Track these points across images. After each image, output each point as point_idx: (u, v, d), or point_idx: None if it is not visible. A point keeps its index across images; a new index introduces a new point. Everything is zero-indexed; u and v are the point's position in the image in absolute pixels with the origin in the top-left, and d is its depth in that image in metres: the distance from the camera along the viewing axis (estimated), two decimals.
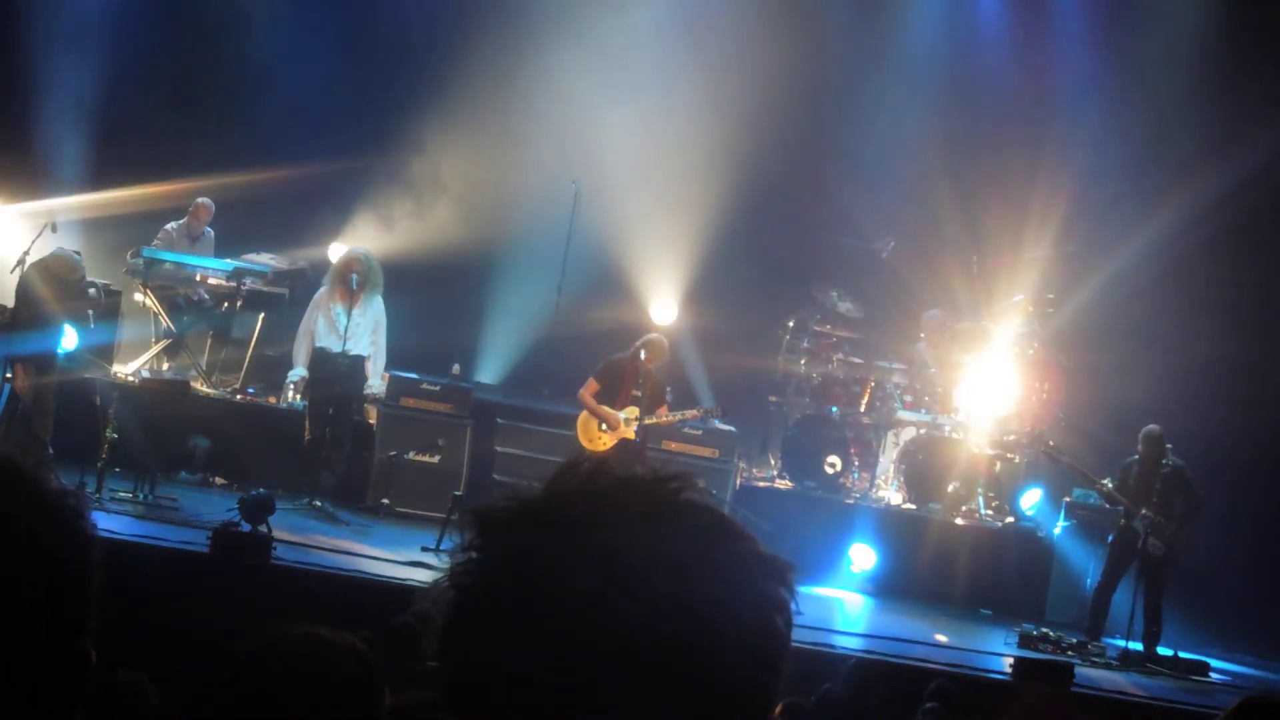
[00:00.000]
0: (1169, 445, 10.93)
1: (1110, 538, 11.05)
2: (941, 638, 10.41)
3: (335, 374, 11.04)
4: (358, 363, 11.11)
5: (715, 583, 1.14)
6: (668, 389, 11.42)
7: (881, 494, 12.74)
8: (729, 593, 1.14)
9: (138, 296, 12.35)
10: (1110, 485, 11.00)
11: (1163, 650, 10.50)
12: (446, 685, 1.17)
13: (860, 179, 14.11)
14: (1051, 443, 11.85)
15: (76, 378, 11.02)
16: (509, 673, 1.12)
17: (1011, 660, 9.33)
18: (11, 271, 11.38)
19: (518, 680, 1.12)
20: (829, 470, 12.58)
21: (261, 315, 12.81)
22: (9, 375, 10.58)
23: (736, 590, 1.15)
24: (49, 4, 13.18)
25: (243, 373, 12.56)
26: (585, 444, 11.03)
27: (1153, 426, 10.92)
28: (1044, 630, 10.49)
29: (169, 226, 12.86)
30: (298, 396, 11.79)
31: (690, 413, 11.75)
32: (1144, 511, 10.65)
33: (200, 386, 12.19)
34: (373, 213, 13.71)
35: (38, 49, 13.03)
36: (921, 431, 12.73)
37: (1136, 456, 10.91)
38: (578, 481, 1.19)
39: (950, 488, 12.33)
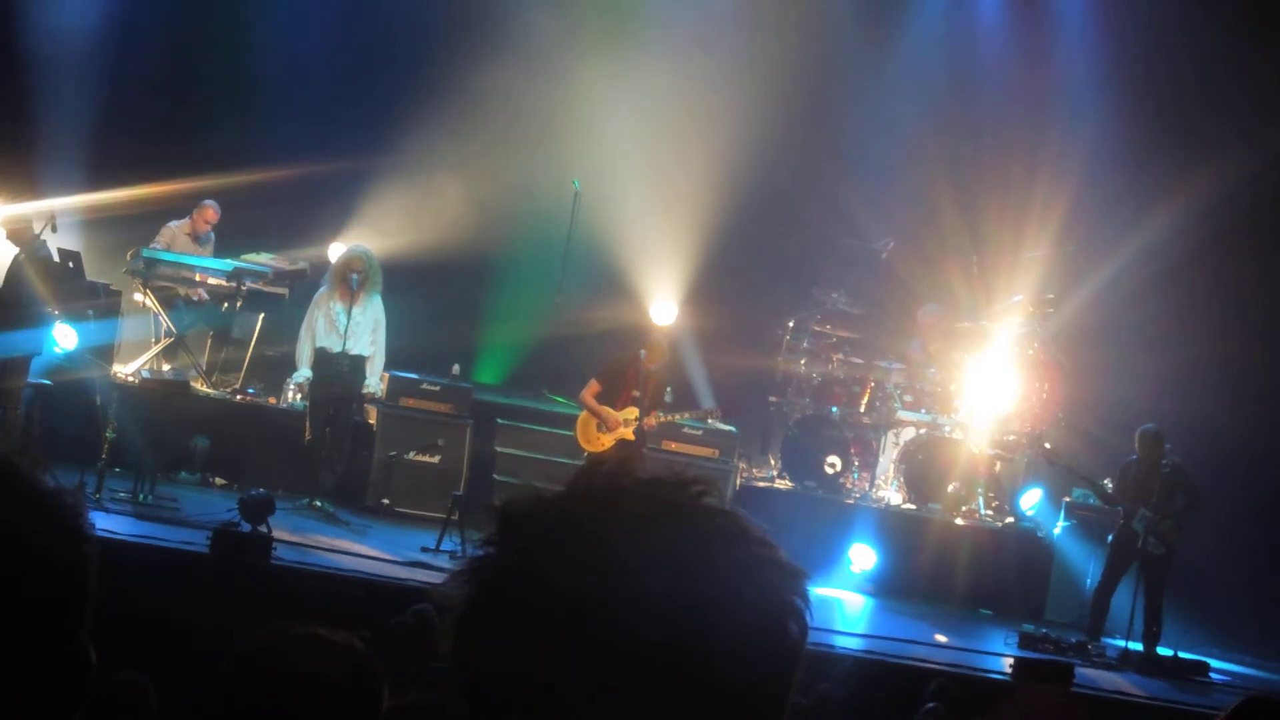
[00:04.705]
0: (1168, 445, 10.93)
1: (1110, 538, 11.05)
2: (941, 638, 10.40)
3: (336, 374, 11.04)
4: (358, 363, 11.10)
5: (730, 587, 1.14)
6: (667, 390, 11.43)
7: (881, 494, 12.74)
8: (743, 597, 1.14)
9: (137, 296, 12.35)
10: (1109, 486, 11.00)
11: (1163, 650, 10.49)
12: (458, 681, 1.17)
13: (860, 179, 14.11)
14: (1048, 445, 11.87)
15: (76, 378, 11.03)
16: (521, 671, 1.13)
17: (1011, 660, 9.32)
18: None
19: (529, 679, 1.12)
20: (829, 470, 12.58)
21: (261, 315, 12.82)
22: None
23: (751, 595, 1.15)
24: (49, 5, 13.18)
25: (243, 373, 12.56)
26: (584, 444, 11.04)
27: (1148, 425, 10.93)
28: (1044, 630, 10.49)
29: (171, 225, 12.87)
30: (298, 396, 11.79)
31: (688, 414, 11.83)
32: (1143, 511, 10.66)
33: (200, 386, 12.19)
34: (372, 213, 13.71)
35: (38, 49, 13.02)
36: (921, 431, 12.72)
37: (1134, 457, 10.91)
38: (599, 482, 1.19)
39: (950, 488, 12.32)
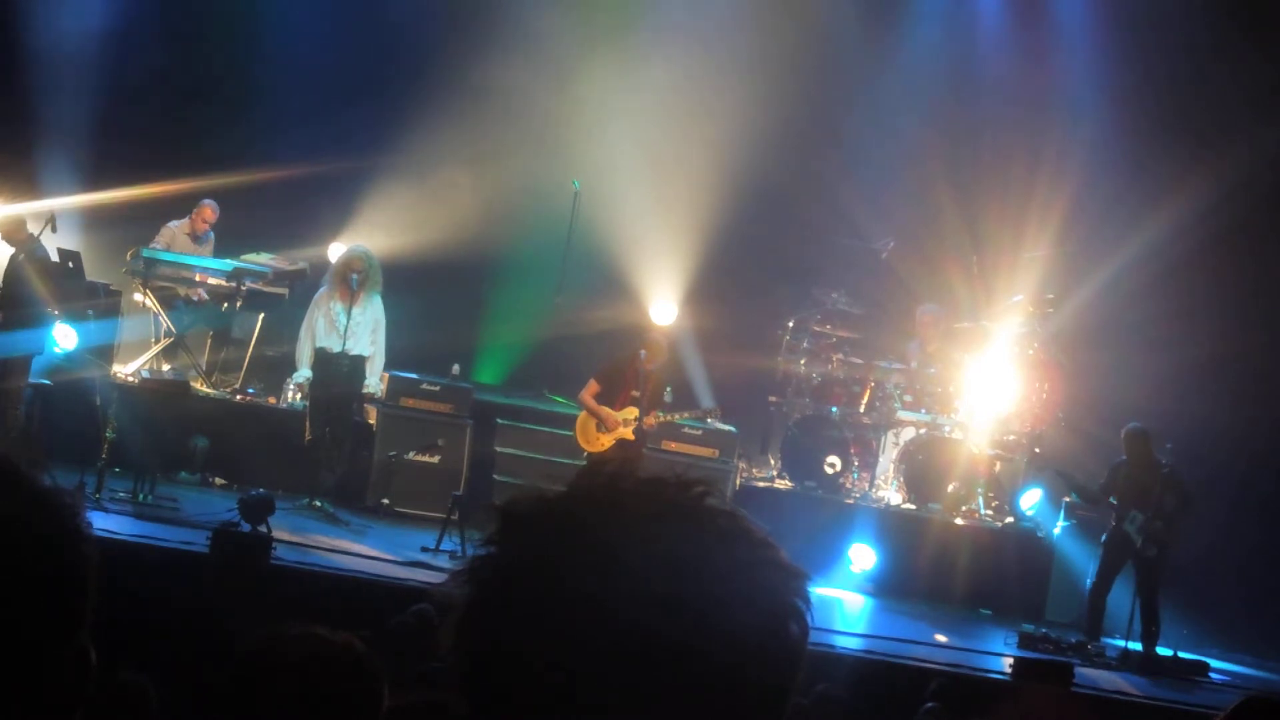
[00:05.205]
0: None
1: (1103, 538, 11.04)
2: (941, 638, 10.40)
3: (336, 374, 11.03)
4: (358, 363, 11.10)
5: (731, 588, 1.14)
6: (667, 389, 11.43)
7: (881, 494, 12.73)
8: (745, 598, 1.14)
9: (137, 296, 12.35)
10: (1101, 492, 11.00)
11: (1163, 650, 10.49)
12: (460, 679, 1.17)
13: (860, 179, 14.11)
14: (1037, 450, 11.89)
15: (76, 378, 11.03)
16: (522, 670, 1.13)
17: (1011, 660, 9.32)
18: None
19: (530, 678, 1.12)
20: (829, 470, 12.58)
21: (261, 315, 12.82)
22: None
23: (753, 596, 1.15)
24: (50, 5, 13.18)
25: (242, 373, 12.57)
26: (584, 444, 11.04)
27: (1134, 425, 10.93)
28: (1044, 630, 10.49)
29: (170, 224, 12.87)
30: (298, 396, 11.79)
31: (688, 413, 11.84)
32: (1133, 513, 10.65)
33: (200, 386, 12.19)
34: (372, 213, 13.71)
35: (39, 50, 13.03)
36: (921, 431, 12.72)
37: (1124, 458, 10.91)
38: (601, 482, 1.19)
39: (950, 488, 12.32)
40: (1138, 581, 10.59)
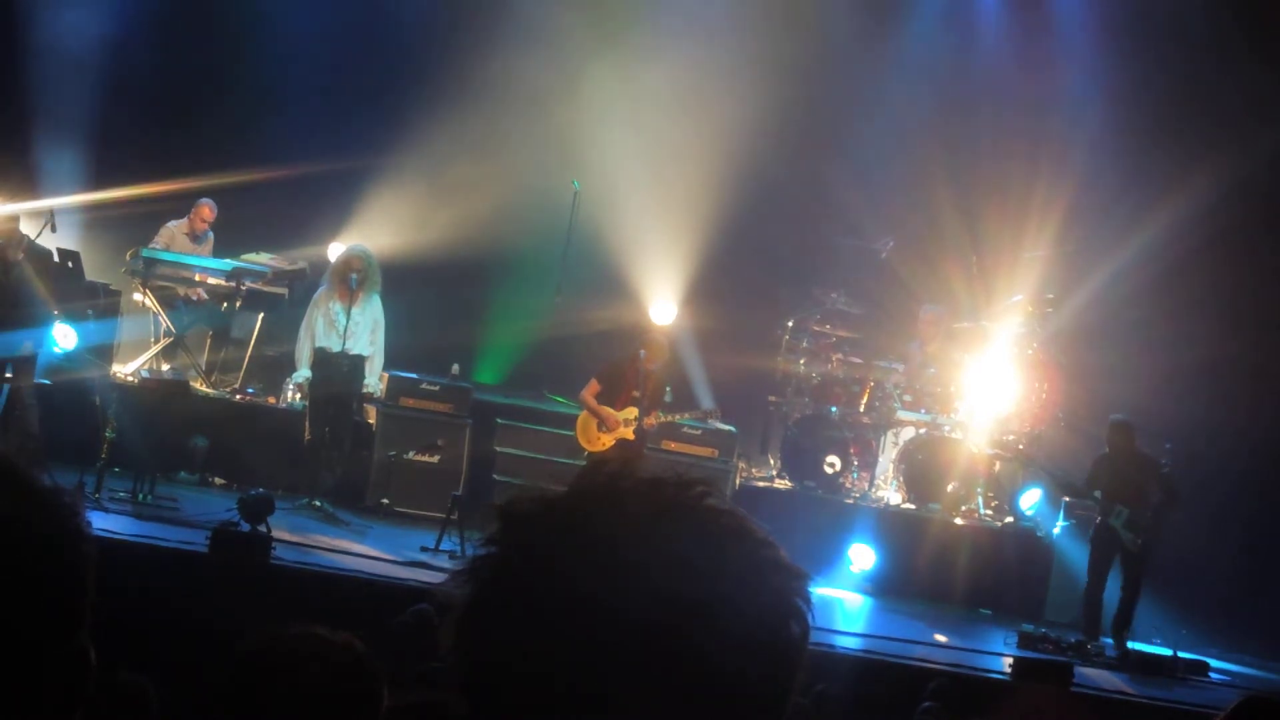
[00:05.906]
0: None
1: (1090, 535, 11.03)
2: (941, 638, 10.40)
3: (335, 374, 11.02)
4: (358, 362, 11.09)
5: (732, 587, 1.14)
6: (667, 389, 11.44)
7: (881, 494, 12.74)
8: (746, 598, 1.14)
9: (137, 296, 12.35)
10: (1085, 486, 10.99)
11: (1162, 650, 10.49)
12: (460, 679, 1.17)
13: (860, 179, 14.10)
14: (1022, 447, 11.89)
15: (76, 378, 11.03)
16: (522, 670, 1.13)
17: (1011, 660, 9.32)
18: None
19: (530, 678, 1.12)
20: (828, 470, 12.58)
21: (261, 315, 12.82)
22: (8, 375, 10.57)
23: (754, 595, 1.15)
24: (50, 6, 13.18)
25: (242, 373, 12.57)
26: (584, 444, 11.06)
27: (1116, 416, 10.92)
28: (1043, 630, 10.49)
29: (170, 224, 12.87)
30: (297, 396, 11.79)
31: (688, 414, 11.86)
32: (1118, 508, 10.63)
33: (200, 386, 12.19)
34: (372, 213, 13.71)
35: (38, 51, 13.03)
36: (921, 431, 12.72)
37: (1106, 451, 10.89)
38: (601, 482, 1.19)
39: (950, 488, 12.32)
40: (1124, 576, 10.58)
